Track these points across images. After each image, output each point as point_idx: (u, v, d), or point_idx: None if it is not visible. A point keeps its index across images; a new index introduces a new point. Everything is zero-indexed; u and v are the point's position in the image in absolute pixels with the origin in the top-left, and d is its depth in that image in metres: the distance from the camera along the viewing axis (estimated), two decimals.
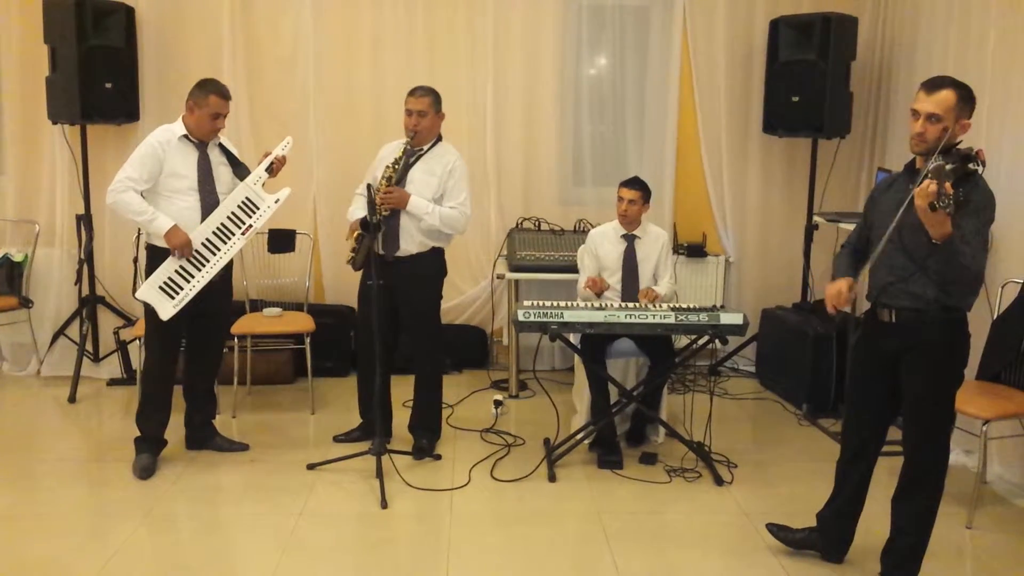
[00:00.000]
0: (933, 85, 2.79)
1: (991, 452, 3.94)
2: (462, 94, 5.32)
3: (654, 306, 3.97)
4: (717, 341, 3.93)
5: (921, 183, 2.59)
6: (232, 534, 3.53)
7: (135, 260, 4.72)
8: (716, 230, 5.61)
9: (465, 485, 3.90)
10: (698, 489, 3.92)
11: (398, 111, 4.10)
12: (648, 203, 4.35)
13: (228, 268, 4.04)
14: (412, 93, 4.05)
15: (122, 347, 5.15)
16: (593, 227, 4.59)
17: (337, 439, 4.33)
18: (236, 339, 4.73)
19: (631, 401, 4.16)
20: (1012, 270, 3.97)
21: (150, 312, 3.87)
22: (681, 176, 5.57)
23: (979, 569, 3.33)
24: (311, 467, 4.00)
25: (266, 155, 4.00)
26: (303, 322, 4.83)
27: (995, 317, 3.92)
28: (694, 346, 4.11)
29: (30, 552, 3.27)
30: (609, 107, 5.53)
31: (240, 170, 3.99)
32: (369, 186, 3.93)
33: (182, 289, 3.85)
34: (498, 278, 5.12)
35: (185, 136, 3.87)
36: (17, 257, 5.25)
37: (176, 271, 3.84)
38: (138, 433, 4.02)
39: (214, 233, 3.88)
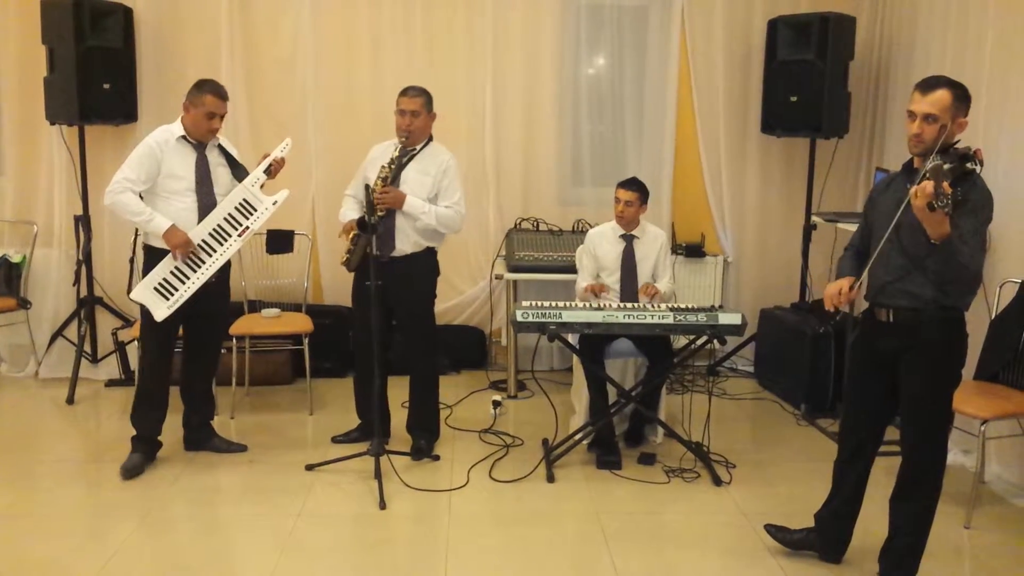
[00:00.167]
0: (928, 85, 2.79)
1: (989, 452, 3.94)
2: (461, 94, 5.32)
3: (652, 306, 3.97)
4: (715, 341, 3.93)
5: (919, 183, 2.59)
6: (231, 535, 3.53)
7: (131, 260, 4.72)
8: (714, 230, 5.61)
9: (464, 486, 3.90)
10: (696, 489, 3.92)
11: None
12: (645, 204, 4.35)
13: (225, 269, 4.03)
14: (404, 93, 4.05)
15: (120, 348, 5.14)
16: (592, 227, 4.59)
17: (335, 440, 4.33)
18: (234, 340, 4.73)
19: (629, 401, 4.16)
20: (1010, 270, 3.97)
21: (146, 311, 3.87)
22: (679, 176, 5.57)
23: (977, 569, 3.33)
24: (309, 468, 4.00)
25: (265, 157, 4.00)
26: (301, 323, 4.83)
27: (993, 317, 3.92)
28: (692, 346, 4.11)
29: (29, 553, 3.27)
30: (608, 107, 5.53)
31: (239, 171, 3.98)
32: (367, 187, 3.93)
33: (177, 290, 3.84)
34: (496, 278, 5.12)
35: (183, 137, 3.87)
36: (15, 258, 5.25)
37: (172, 272, 3.84)
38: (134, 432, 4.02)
39: (210, 235, 3.87)
